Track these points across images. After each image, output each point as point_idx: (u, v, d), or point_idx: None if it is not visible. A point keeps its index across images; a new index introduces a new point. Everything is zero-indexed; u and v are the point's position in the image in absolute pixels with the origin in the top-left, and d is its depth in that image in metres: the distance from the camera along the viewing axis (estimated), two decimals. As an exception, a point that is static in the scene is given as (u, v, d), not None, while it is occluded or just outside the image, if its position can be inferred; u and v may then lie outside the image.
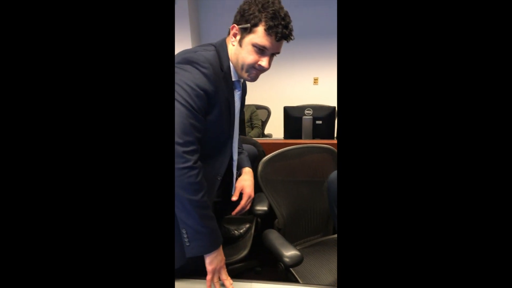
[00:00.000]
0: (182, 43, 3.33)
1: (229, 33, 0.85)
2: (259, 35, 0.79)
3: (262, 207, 1.19)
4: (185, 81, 0.75)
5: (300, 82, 3.81)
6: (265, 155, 1.19)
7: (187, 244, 0.77)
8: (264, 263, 1.32)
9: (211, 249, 0.78)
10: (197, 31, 3.61)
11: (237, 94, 0.92)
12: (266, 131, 3.04)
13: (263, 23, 0.78)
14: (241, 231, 1.28)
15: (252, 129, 2.73)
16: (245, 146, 1.21)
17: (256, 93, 3.42)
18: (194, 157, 0.75)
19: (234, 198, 0.99)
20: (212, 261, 0.79)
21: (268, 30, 0.78)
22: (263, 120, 2.99)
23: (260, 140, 1.66)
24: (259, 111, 2.88)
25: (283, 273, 1.00)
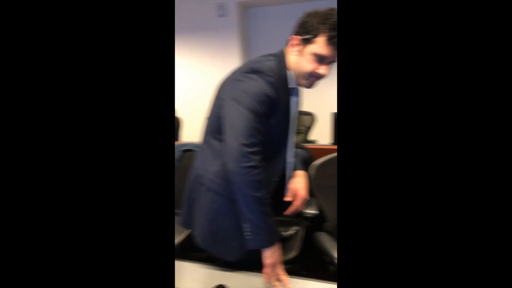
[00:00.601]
0: (232, 56, 3.46)
1: (288, 44, 0.92)
2: (320, 45, 0.84)
3: (311, 211, 1.21)
4: (252, 88, 0.83)
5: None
6: (312, 160, 1.22)
7: (250, 237, 0.84)
8: (310, 267, 1.33)
9: (270, 243, 0.84)
10: (245, 43, 3.75)
11: (294, 100, 0.97)
12: (310, 137, 3.05)
13: (324, 34, 0.83)
14: (290, 232, 1.32)
15: (297, 134, 2.76)
16: (297, 150, 1.26)
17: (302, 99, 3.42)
18: (258, 157, 0.81)
19: (288, 199, 1.04)
20: (271, 255, 0.84)
21: (329, 40, 0.82)
22: (308, 126, 3.00)
23: (307, 145, 1.68)
24: (303, 117, 2.90)
25: (333, 276, 1.01)
